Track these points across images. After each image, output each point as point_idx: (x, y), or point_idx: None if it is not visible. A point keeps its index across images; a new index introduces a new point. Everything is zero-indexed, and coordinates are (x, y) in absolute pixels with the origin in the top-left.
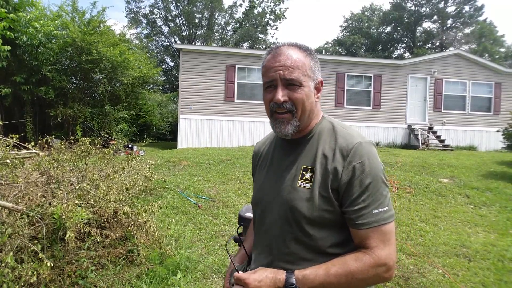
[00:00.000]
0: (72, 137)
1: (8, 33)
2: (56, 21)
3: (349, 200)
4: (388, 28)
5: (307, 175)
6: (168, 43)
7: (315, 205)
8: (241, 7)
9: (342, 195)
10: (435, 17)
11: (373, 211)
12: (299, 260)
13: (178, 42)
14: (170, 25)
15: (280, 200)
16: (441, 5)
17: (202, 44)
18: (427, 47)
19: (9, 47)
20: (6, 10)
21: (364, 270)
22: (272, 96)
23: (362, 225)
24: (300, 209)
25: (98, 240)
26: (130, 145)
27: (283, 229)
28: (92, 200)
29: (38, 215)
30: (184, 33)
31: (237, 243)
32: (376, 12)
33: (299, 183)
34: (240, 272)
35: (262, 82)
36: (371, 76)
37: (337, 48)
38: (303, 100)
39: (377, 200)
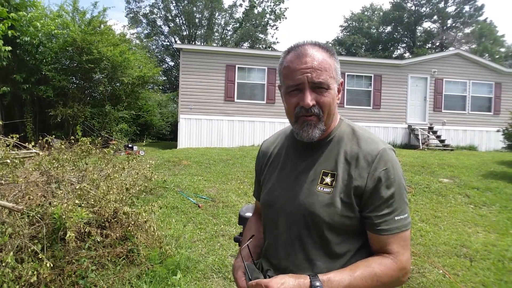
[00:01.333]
0: (72, 137)
1: (10, 32)
2: (57, 20)
3: (372, 206)
4: (388, 28)
5: (327, 179)
6: (168, 43)
7: (336, 211)
8: (241, 7)
9: (365, 201)
10: (435, 17)
11: (396, 218)
12: (314, 265)
13: (178, 42)
14: (170, 25)
15: (297, 204)
16: (441, 5)
17: (202, 44)
18: (427, 47)
19: (10, 48)
20: (8, 10)
21: (389, 274)
22: (297, 100)
23: (385, 231)
24: (320, 214)
25: (98, 240)
26: (130, 145)
27: (299, 234)
28: (92, 200)
29: (38, 215)
30: (184, 33)
31: (237, 243)
32: (376, 12)
33: (319, 188)
34: (258, 278)
35: (279, 85)
36: (371, 76)
37: (337, 48)
38: (330, 103)
39: (399, 207)
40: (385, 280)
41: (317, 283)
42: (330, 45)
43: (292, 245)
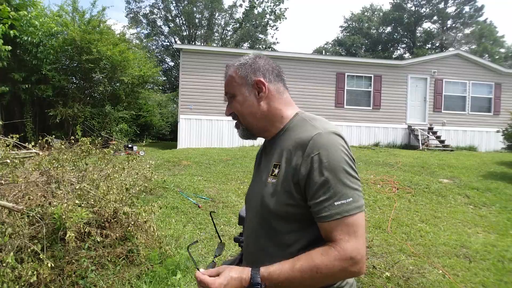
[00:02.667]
0: (72, 137)
1: (12, 32)
2: (56, 18)
3: (310, 193)
4: (388, 29)
5: (276, 171)
6: (168, 43)
7: (279, 200)
8: (241, 7)
9: (304, 189)
10: (435, 18)
11: (335, 203)
12: (269, 256)
13: (178, 42)
14: (170, 25)
15: (256, 197)
16: (441, 5)
17: (202, 44)
18: (427, 47)
19: (10, 47)
20: (9, 9)
21: (329, 264)
22: None
23: (324, 218)
24: (268, 204)
25: (98, 240)
26: (130, 145)
27: (256, 225)
28: (92, 200)
29: (38, 215)
30: (184, 33)
31: (237, 243)
32: (376, 13)
33: (269, 179)
34: (204, 274)
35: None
36: (371, 77)
37: (337, 48)
38: (238, 109)
39: (338, 192)
40: (326, 271)
41: (258, 279)
42: (329, 46)
43: (252, 236)
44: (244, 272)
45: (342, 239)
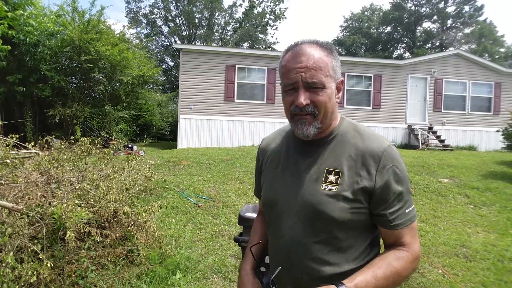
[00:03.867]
0: (72, 137)
1: (10, 32)
2: (52, 17)
3: (386, 204)
4: (388, 28)
5: (331, 177)
6: (168, 43)
7: (344, 208)
8: (241, 7)
9: (377, 198)
10: (435, 17)
11: (406, 211)
12: (322, 264)
13: (178, 42)
14: (170, 25)
15: (302, 202)
16: (441, 5)
17: (202, 44)
18: (427, 47)
19: (9, 47)
20: (6, 9)
21: (408, 267)
22: (293, 98)
23: (398, 225)
24: (328, 212)
25: (98, 240)
26: (130, 145)
27: (305, 233)
28: (92, 200)
29: (38, 215)
30: (184, 33)
31: (237, 243)
32: (376, 12)
33: (323, 186)
34: None
35: (280, 82)
36: (371, 76)
37: (337, 48)
38: (326, 102)
39: (408, 200)
40: (406, 274)
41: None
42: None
43: (297, 245)
44: None
45: (411, 242)
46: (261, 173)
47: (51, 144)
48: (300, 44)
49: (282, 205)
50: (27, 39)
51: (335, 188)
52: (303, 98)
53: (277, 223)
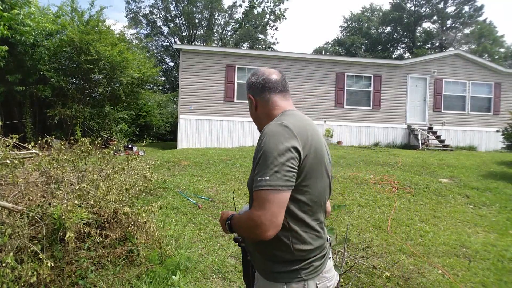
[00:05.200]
0: (72, 137)
1: (6, 32)
2: (50, 17)
3: (253, 169)
4: (388, 28)
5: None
6: (168, 43)
7: (249, 177)
8: (241, 7)
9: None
10: (435, 17)
11: (258, 178)
12: None
13: (178, 42)
14: (170, 25)
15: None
16: (441, 5)
17: (202, 44)
18: (427, 47)
19: (7, 48)
20: (2, 8)
21: (244, 219)
22: None
23: (254, 188)
24: (248, 184)
25: (98, 240)
26: (130, 145)
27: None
28: (92, 200)
29: (38, 215)
30: (184, 33)
31: (237, 244)
32: (376, 13)
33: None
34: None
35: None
36: (371, 76)
37: (337, 48)
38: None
39: (262, 170)
40: (243, 223)
41: (231, 214)
42: (329, 46)
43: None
44: (230, 212)
45: (254, 206)
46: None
47: (51, 144)
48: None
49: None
50: (25, 40)
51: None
52: None
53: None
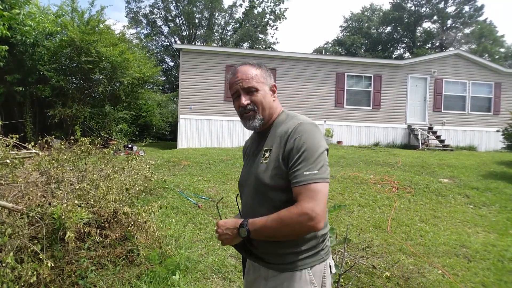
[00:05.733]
0: (72, 137)
1: (6, 32)
2: (51, 17)
3: (289, 165)
4: (388, 28)
5: (266, 154)
6: (168, 43)
7: (271, 175)
8: (241, 7)
9: (287, 162)
10: (435, 17)
11: (304, 173)
12: (260, 215)
13: (178, 42)
14: (170, 25)
15: (252, 176)
16: (441, 5)
17: (202, 44)
18: (427, 47)
19: (7, 47)
20: (2, 8)
21: (288, 215)
22: (238, 103)
23: (295, 184)
24: (262, 179)
25: (98, 240)
26: (130, 145)
27: (253, 197)
28: (92, 200)
29: (38, 215)
30: (184, 33)
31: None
32: (376, 12)
33: (262, 161)
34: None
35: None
36: (371, 76)
37: (337, 48)
38: (261, 100)
39: (308, 165)
40: (287, 222)
41: (245, 222)
42: (329, 45)
43: (249, 206)
44: (239, 220)
45: (303, 200)
46: None
47: (51, 144)
48: (237, 67)
49: (243, 181)
50: (25, 40)
51: (267, 161)
52: (244, 100)
53: (242, 195)
